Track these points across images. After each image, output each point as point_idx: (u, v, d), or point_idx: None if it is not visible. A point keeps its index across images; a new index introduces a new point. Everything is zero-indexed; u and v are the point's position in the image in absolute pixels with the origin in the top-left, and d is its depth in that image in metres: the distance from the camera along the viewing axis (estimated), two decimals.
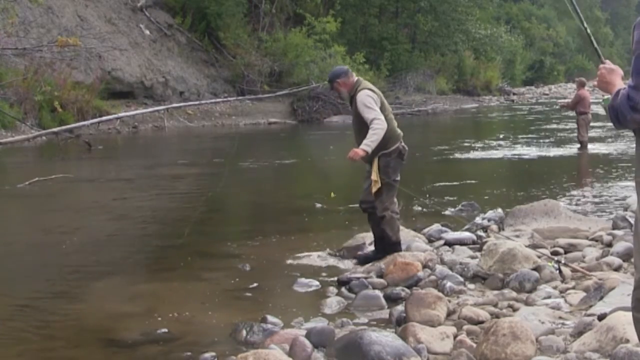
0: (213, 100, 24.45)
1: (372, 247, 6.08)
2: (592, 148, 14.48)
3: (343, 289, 5.16)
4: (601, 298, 4.43)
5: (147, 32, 24.75)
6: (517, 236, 6.44)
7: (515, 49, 47.33)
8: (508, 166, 13.16)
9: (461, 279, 5.20)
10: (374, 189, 5.73)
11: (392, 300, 4.87)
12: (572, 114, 15.53)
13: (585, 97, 13.73)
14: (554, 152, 14.64)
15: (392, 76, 32.43)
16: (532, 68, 56.44)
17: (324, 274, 5.61)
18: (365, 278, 5.28)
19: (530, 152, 14.75)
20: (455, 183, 10.65)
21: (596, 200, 8.88)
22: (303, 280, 5.37)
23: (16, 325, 4.56)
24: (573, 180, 10.93)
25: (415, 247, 6.06)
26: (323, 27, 28.10)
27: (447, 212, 7.85)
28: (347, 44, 29.98)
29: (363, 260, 5.87)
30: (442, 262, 5.72)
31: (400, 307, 4.56)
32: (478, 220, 7.18)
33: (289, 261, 6.01)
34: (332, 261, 6.02)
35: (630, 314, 2.89)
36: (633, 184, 2.85)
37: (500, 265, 5.28)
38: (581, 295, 4.61)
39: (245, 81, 25.88)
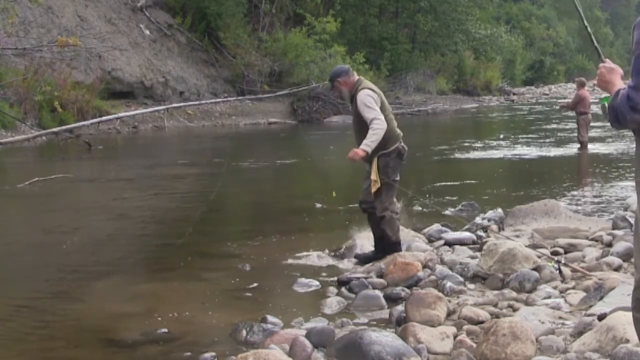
0: (213, 100, 24.45)
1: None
2: (592, 148, 14.48)
3: (343, 289, 5.16)
4: (601, 298, 4.43)
5: (147, 32, 24.75)
6: (517, 236, 6.44)
7: (515, 49, 47.35)
8: (508, 166, 13.16)
9: (461, 279, 5.20)
10: (373, 189, 5.73)
11: (392, 300, 4.87)
12: (572, 114, 15.53)
13: (585, 97, 13.74)
14: (554, 152, 14.64)
15: (392, 76, 32.44)
16: (532, 68, 56.45)
17: (324, 274, 5.61)
18: (365, 278, 5.27)
19: (531, 152, 14.75)
20: (455, 183, 10.65)
21: (596, 200, 8.88)
22: (303, 280, 5.37)
23: (16, 325, 4.56)
24: (573, 180, 10.94)
25: (415, 247, 6.06)
26: (323, 27, 28.10)
27: (447, 212, 7.84)
28: (347, 44, 29.99)
29: (363, 260, 5.87)
30: (442, 262, 5.72)
31: (400, 307, 4.56)
32: (478, 220, 7.18)
33: (289, 261, 6.01)
34: (332, 261, 6.02)
35: (630, 314, 2.89)
36: (633, 184, 2.85)
37: (500, 265, 5.28)
38: (581, 295, 4.61)
39: (245, 81, 25.89)
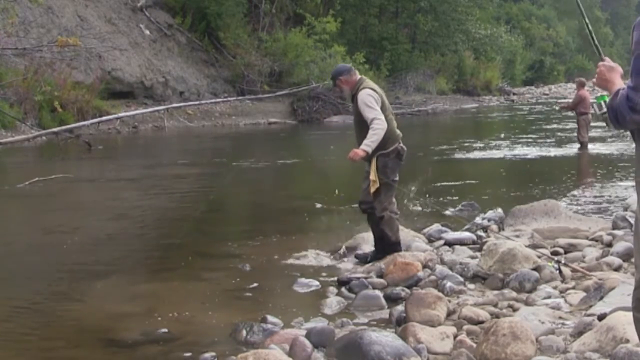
0: (213, 100, 24.45)
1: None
2: (592, 148, 14.48)
3: (343, 289, 5.16)
4: (601, 298, 4.43)
5: (147, 32, 24.75)
6: (517, 236, 6.44)
7: (515, 49, 47.35)
8: (508, 166, 13.15)
9: (461, 279, 5.20)
10: (372, 189, 5.73)
11: (392, 300, 4.87)
12: (572, 114, 15.54)
13: (585, 98, 13.74)
14: (554, 152, 14.64)
15: (392, 76, 32.43)
16: (532, 68, 56.45)
17: (324, 274, 5.61)
18: (365, 278, 5.27)
19: (531, 152, 14.75)
20: (455, 183, 10.64)
21: (596, 200, 8.88)
22: (303, 280, 5.37)
23: (16, 325, 4.57)
24: (573, 180, 10.93)
25: (415, 247, 6.07)
26: (323, 27, 28.09)
27: (447, 212, 7.84)
28: (347, 44, 29.98)
29: (363, 260, 5.87)
30: (442, 262, 5.72)
31: (400, 307, 4.56)
32: (478, 220, 7.18)
33: (289, 261, 6.01)
34: (332, 261, 6.02)
35: (630, 314, 2.89)
36: (633, 184, 2.85)
37: (500, 265, 5.28)
38: (581, 295, 4.61)
39: (245, 81, 25.88)
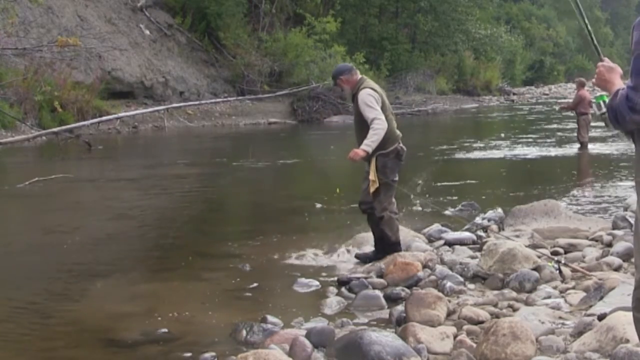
0: (213, 100, 24.45)
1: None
2: (592, 148, 14.48)
3: (343, 289, 5.15)
4: (601, 298, 4.43)
5: (147, 32, 24.74)
6: (517, 236, 6.44)
7: (515, 49, 47.33)
8: (508, 166, 13.15)
9: (461, 279, 5.19)
10: (372, 189, 5.73)
11: (392, 300, 4.87)
12: (572, 114, 15.53)
13: (585, 98, 13.74)
14: (554, 152, 14.64)
15: (392, 76, 32.43)
16: (532, 68, 56.44)
17: (324, 274, 5.61)
18: (365, 278, 5.27)
19: (531, 152, 14.75)
20: (455, 183, 10.64)
21: (596, 200, 8.88)
22: (303, 280, 5.37)
23: (16, 326, 4.56)
24: (573, 180, 10.93)
25: (415, 247, 6.06)
26: (323, 27, 28.09)
27: (447, 212, 7.84)
28: (347, 44, 29.97)
29: (363, 260, 5.87)
30: (442, 262, 5.72)
31: (400, 307, 4.55)
32: (478, 220, 7.18)
33: (289, 261, 6.01)
34: (332, 261, 6.02)
35: (630, 314, 2.89)
36: (633, 184, 2.85)
37: (500, 265, 5.28)
38: (581, 295, 4.61)
39: (245, 81, 25.88)
